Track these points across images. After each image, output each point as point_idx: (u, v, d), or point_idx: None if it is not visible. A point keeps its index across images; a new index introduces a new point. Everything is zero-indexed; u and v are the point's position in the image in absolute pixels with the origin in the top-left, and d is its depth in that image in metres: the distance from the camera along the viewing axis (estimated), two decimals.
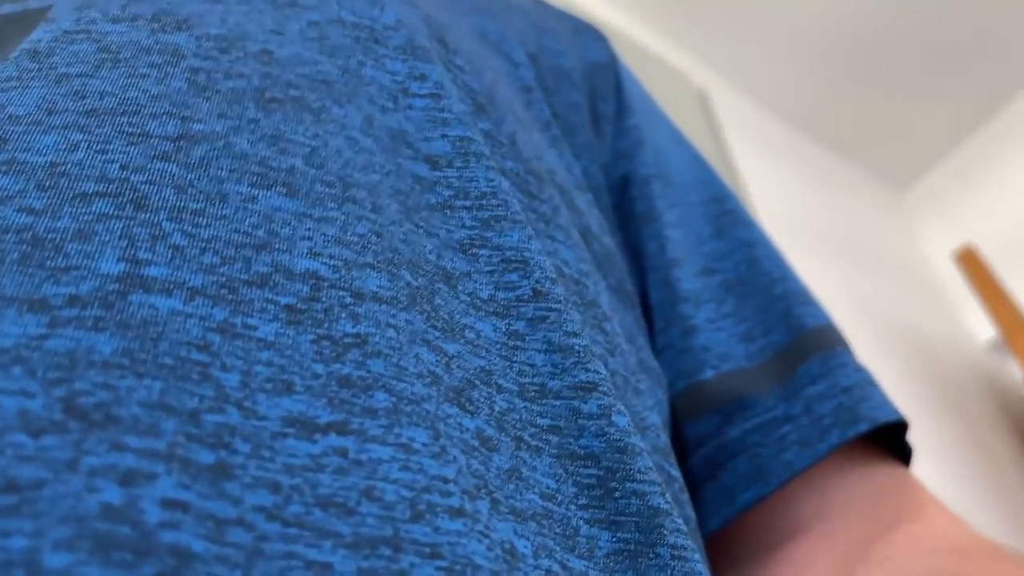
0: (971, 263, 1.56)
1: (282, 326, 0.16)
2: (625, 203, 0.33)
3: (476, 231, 0.21)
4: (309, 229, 0.18)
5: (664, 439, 0.24)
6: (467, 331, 0.19)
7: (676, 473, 0.24)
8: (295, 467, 0.14)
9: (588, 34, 0.38)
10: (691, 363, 0.29)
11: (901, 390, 1.49)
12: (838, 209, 1.80)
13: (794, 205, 1.64)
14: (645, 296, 0.31)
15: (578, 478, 0.19)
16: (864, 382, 0.29)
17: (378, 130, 0.21)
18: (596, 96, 0.35)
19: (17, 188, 0.16)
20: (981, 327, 1.87)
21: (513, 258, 0.21)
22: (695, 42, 1.72)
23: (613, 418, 0.19)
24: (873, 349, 1.51)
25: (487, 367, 0.19)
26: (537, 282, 0.21)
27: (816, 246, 1.60)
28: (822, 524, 0.27)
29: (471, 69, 0.26)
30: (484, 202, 0.22)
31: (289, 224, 0.17)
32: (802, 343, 0.30)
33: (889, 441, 0.30)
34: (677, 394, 0.29)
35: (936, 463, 1.41)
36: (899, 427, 0.29)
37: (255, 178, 0.18)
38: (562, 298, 0.21)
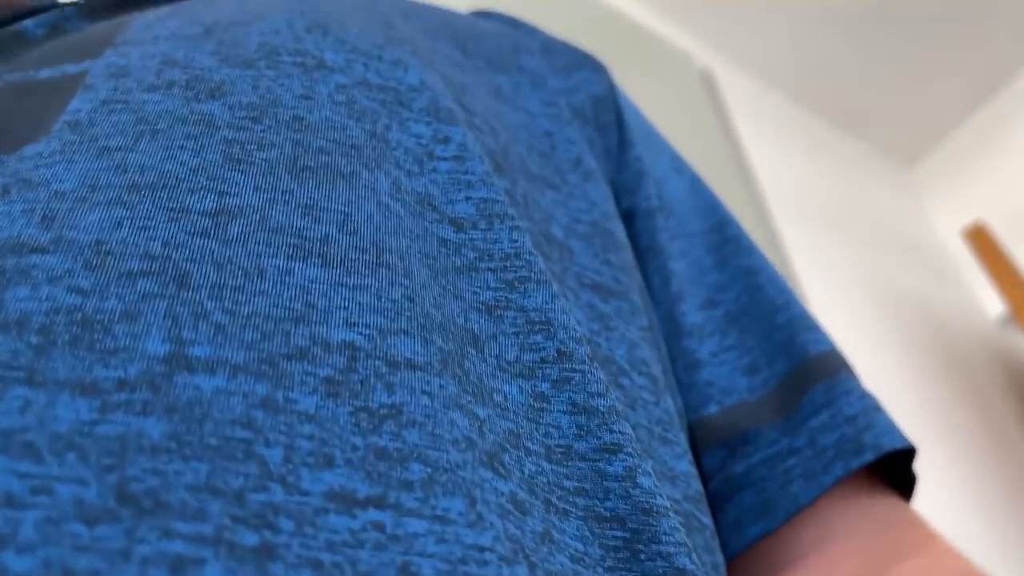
0: (981, 240, 1.55)
1: (321, 399, 0.16)
2: (629, 237, 0.33)
3: (501, 292, 0.22)
4: (345, 299, 0.18)
5: (695, 486, 0.24)
6: (495, 394, 0.19)
7: (708, 521, 0.24)
8: (336, 543, 0.14)
9: (588, 67, 0.38)
10: (696, 398, 0.29)
11: (911, 367, 1.49)
12: (846, 187, 1.79)
13: (802, 184, 1.63)
14: None
15: (604, 540, 0.19)
16: (869, 408, 0.29)
17: (405, 194, 0.22)
18: (600, 130, 0.35)
19: (65, 267, 0.16)
20: (991, 303, 1.86)
21: (537, 319, 0.21)
22: (698, 23, 1.70)
23: (638, 479, 0.19)
24: (883, 326, 1.51)
25: (515, 430, 0.19)
26: (561, 343, 0.21)
27: (824, 224, 1.59)
28: (822, 557, 0.27)
29: (488, 129, 0.27)
30: (508, 263, 0.22)
31: (326, 295, 0.18)
32: (805, 372, 0.30)
33: (895, 464, 0.30)
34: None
35: (946, 439, 1.41)
36: (905, 451, 0.29)
37: (291, 250, 0.18)
38: (586, 358, 0.21)
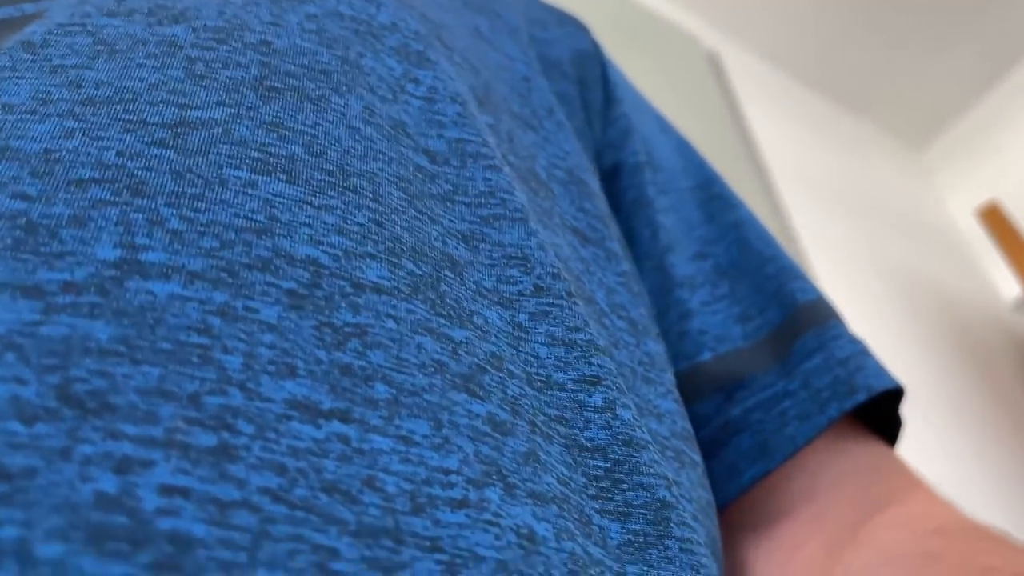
0: (995, 220, 1.53)
1: (284, 310, 0.16)
2: (616, 192, 0.34)
3: (476, 226, 0.21)
4: (309, 216, 0.18)
5: (682, 424, 0.24)
6: (475, 317, 0.19)
7: (698, 457, 0.24)
8: (300, 450, 0.14)
9: (571, 24, 0.38)
10: (689, 346, 0.30)
11: (925, 348, 1.47)
12: (856, 169, 1.77)
13: (811, 166, 1.61)
14: None
15: (586, 469, 0.19)
16: (859, 352, 0.29)
17: (379, 118, 0.21)
18: (584, 85, 0.35)
19: (10, 175, 0.16)
20: (1006, 284, 1.84)
21: (514, 254, 0.21)
22: (704, 5, 1.69)
23: (618, 411, 0.19)
24: (895, 309, 1.49)
25: (497, 353, 0.19)
26: (538, 277, 0.21)
27: (834, 206, 1.58)
28: (811, 506, 0.28)
29: (468, 66, 0.27)
30: (482, 200, 0.22)
31: (289, 210, 0.17)
32: (796, 319, 0.30)
33: (883, 411, 0.30)
34: (679, 375, 0.29)
35: (961, 421, 1.40)
36: (895, 396, 0.29)
37: (255, 163, 0.18)
38: (564, 293, 0.21)
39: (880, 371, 0.29)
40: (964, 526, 0.26)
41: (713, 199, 0.35)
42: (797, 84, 1.85)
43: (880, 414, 0.30)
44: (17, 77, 0.18)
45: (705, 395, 0.29)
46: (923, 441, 1.21)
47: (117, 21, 0.21)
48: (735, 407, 0.28)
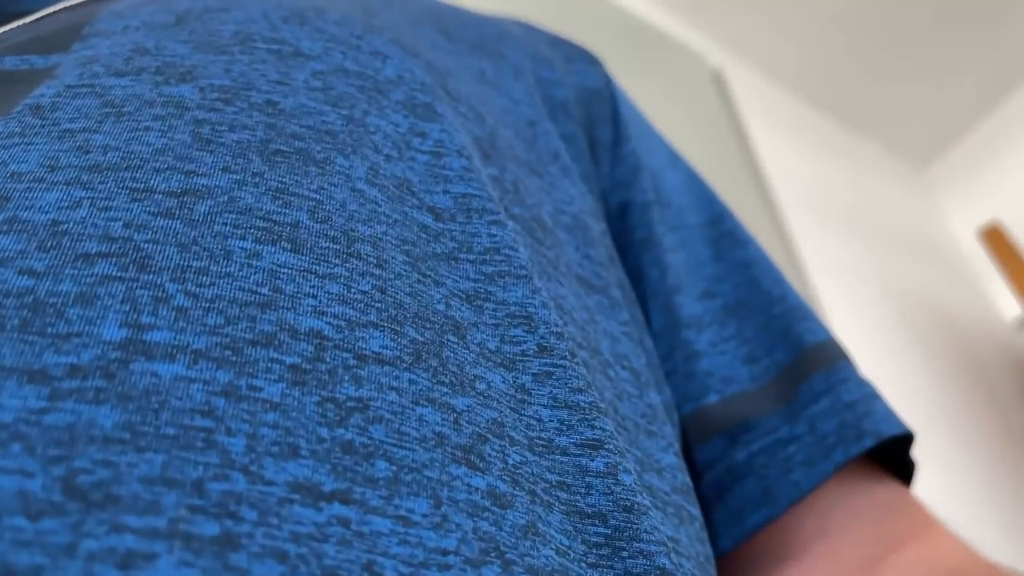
0: (997, 240, 1.54)
1: (288, 387, 0.15)
2: (625, 231, 0.33)
3: (481, 284, 0.21)
4: (314, 286, 0.17)
5: (682, 478, 0.24)
6: (478, 382, 0.19)
7: (696, 512, 0.24)
8: (301, 536, 0.14)
9: (582, 60, 0.38)
10: (695, 388, 0.29)
11: (927, 368, 1.47)
12: (859, 187, 1.77)
13: (814, 184, 1.62)
14: (648, 324, 0.31)
15: (586, 536, 0.18)
16: (867, 396, 0.29)
17: (383, 179, 0.21)
18: (592, 123, 0.35)
19: (18, 248, 0.16)
20: (1007, 305, 1.84)
21: (518, 313, 0.21)
22: (710, 23, 1.70)
23: (619, 476, 0.19)
24: (898, 327, 1.49)
25: (499, 419, 0.19)
26: (542, 338, 0.21)
27: (837, 225, 1.58)
28: (825, 544, 0.27)
29: (474, 116, 0.26)
30: (487, 257, 0.22)
31: (293, 280, 0.17)
32: (804, 361, 0.30)
33: (894, 452, 0.30)
34: (683, 419, 0.29)
35: (961, 441, 1.40)
36: (904, 439, 0.29)
37: (260, 233, 0.18)
38: (567, 353, 0.21)
39: (889, 415, 0.28)
40: (977, 565, 0.25)
41: (722, 236, 0.35)
42: (801, 103, 1.86)
43: (892, 454, 0.30)
44: (26, 144, 0.18)
45: (710, 438, 0.29)
46: (923, 459, 1.21)
47: (125, 81, 0.21)
48: (740, 451, 0.28)
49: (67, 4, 0.27)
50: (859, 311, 1.44)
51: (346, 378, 0.16)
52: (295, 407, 0.15)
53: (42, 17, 0.26)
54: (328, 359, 0.16)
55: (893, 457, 0.30)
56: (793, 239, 1.41)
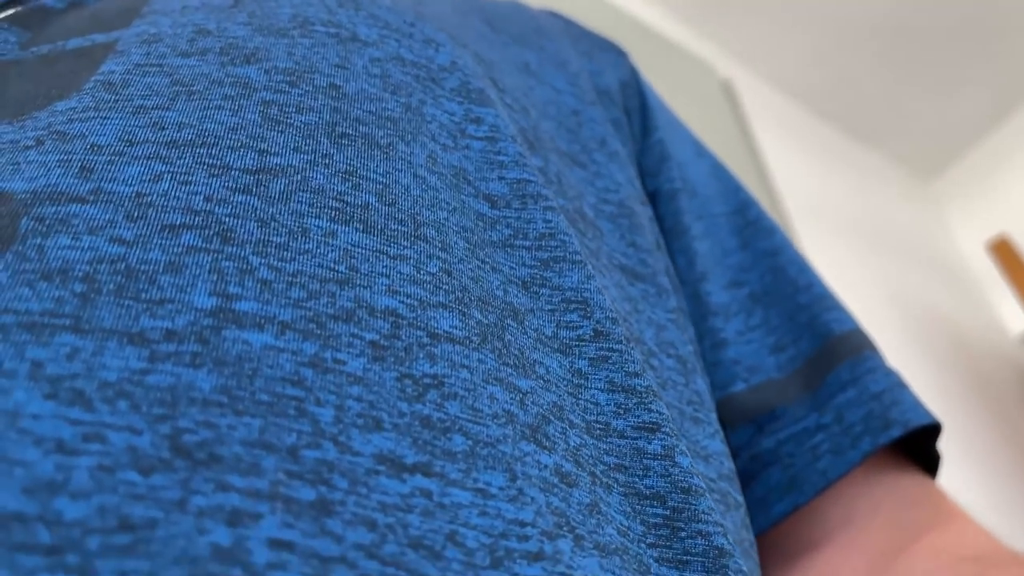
0: (1005, 253, 1.54)
1: (368, 361, 0.16)
2: (654, 219, 0.33)
3: (536, 270, 0.22)
4: (386, 267, 0.18)
5: (728, 465, 0.24)
6: (537, 366, 0.19)
7: (741, 498, 0.24)
8: (388, 506, 0.14)
9: (611, 51, 0.38)
10: (723, 376, 0.30)
11: (933, 380, 1.47)
12: (866, 199, 1.78)
13: (822, 195, 1.62)
14: None
15: (645, 517, 0.19)
16: (894, 385, 0.29)
17: (441, 167, 0.22)
18: (628, 112, 0.35)
19: (107, 218, 0.16)
20: (1014, 319, 1.84)
21: (573, 299, 0.21)
22: (719, 31, 1.71)
23: (677, 458, 0.20)
24: (904, 339, 1.49)
25: (558, 403, 0.19)
26: (598, 322, 0.21)
27: (844, 236, 1.58)
28: (848, 533, 0.27)
29: (519, 108, 0.27)
30: (543, 243, 0.22)
31: (367, 260, 0.18)
32: (830, 350, 0.30)
33: (919, 443, 0.30)
34: None
35: (968, 453, 1.39)
36: (930, 429, 0.29)
37: (334, 213, 0.18)
38: (623, 338, 0.21)
39: (916, 405, 0.28)
40: (1000, 553, 0.26)
41: (748, 225, 0.35)
42: (810, 114, 1.86)
43: (917, 444, 0.30)
44: (102, 117, 0.18)
45: (737, 426, 0.29)
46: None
47: (192, 61, 0.21)
48: (767, 439, 0.28)
49: None
50: (865, 322, 1.43)
51: (421, 355, 0.17)
52: (376, 381, 0.16)
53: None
54: (404, 336, 0.17)
55: (918, 447, 0.30)
56: (800, 249, 1.41)
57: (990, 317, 1.84)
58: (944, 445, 1.36)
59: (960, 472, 1.34)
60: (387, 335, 0.17)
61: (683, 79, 1.53)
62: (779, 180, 1.51)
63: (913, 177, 2.08)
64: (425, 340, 0.17)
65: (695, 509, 0.19)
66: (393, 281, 0.18)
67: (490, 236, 0.22)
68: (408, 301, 0.17)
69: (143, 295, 0.15)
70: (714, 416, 0.25)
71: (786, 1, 1.69)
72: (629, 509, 0.19)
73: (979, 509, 1.32)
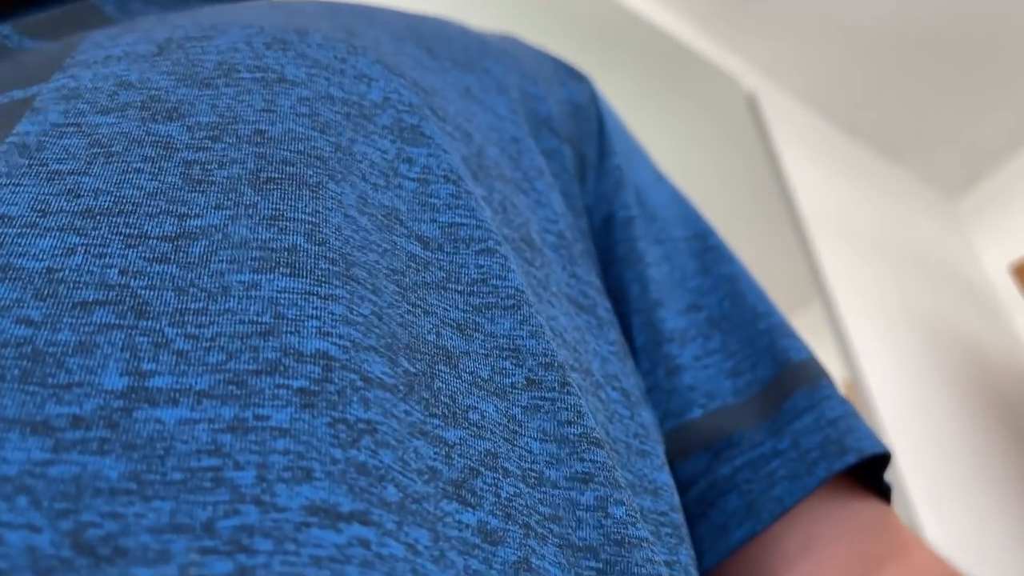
0: None
1: (296, 410, 0.15)
2: (608, 246, 0.33)
3: (469, 315, 0.21)
4: (316, 308, 0.17)
5: (677, 498, 0.24)
6: (471, 412, 0.19)
7: (686, 531, 0.24)
8: (322, 559, 0.13)
9: (567, 75, 0.38)
10: (678, 403, 0.29)
11: (954, 401, 1.46)
12: (889, 216, 1.76)
13: (844, 211, 1.61)
14: (630, 339, 0.32)
15: (579, 570, 0.18)
16: (849, 414, 0.29)
17: (373, 208, 0.21)
18: (579, 139, 0.35)
19: (14, 297, 0.15)
20: None
21: (505, 346, 0.21)
22: (746, 46, 1.70)
23: (610, 509, 0.19)
24: (925, 358, 1.48)
25: (493, 450, 0.18)
26: (530, 370, 0.21)
27: (867, 253, 1.57)
28: (807, 562, 0.27)
29: (461, 135, 0.26)
30: (474, 288, 0.22)
31: (296, 304, 0.17)
32: (787, 377, 0.30)
33: (871, 472, 0.30)
34: (666, 435, 0.29)
35: (986, 474, 1.38)
36: (881, 462, 0.29)
37: (257, 263, 0.17)
38: (556, 384, 0.21)
39: (869, 435, 0.29)
40: None
41: (708, 250, 0.35)
42: (834, 129, 1.85)
43: (869, 474, 0.30)
44: (14, 184, 0.18)
45: (693, 453, 0.29)
46: (946, 492, 1.20)
47: (111, 119, 0.20)
48: (723, 466, 0.28)
49: (51, 15, 0.27)
50: (885, 339, 1.42)
51: (355, 399, 0.16)
52: (306, 430, 0.15)
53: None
54: (336, 380, 0.16)
55: (869, 477, 0.30)
56: (821, 264, 1.41)
57: (1012, 339, 1.82)
58: (963, 466, 1.34)
59: (980, 493, 1.32)
60: (318, 379, 0.16)
61: (707, 92, 1.53)
62: (801, 195, 1.51)
63: (938, 196, 2.06)
64: (359, 383, 0.16)
65: (628, 562, 0.19)
66: (324, 322, 0.17)
67: (423, 277, 0.21)
68: (341, 342, 0.17)
69: (49, 380, 0.14)
70: (661, 448, 0.25)
71: (812, 15, 1.68)
72: (564, 561, 0.18)
73: (998, 532, 1.30)
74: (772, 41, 1.70)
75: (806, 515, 0.28)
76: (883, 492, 0.30)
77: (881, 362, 1.36)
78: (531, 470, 0.19)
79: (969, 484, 1.32)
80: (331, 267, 0.18)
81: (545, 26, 1.32)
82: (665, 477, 0.24)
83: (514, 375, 0.21)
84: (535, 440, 0.20)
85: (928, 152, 1.95)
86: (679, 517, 0.23)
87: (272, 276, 0.17)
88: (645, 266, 0.32)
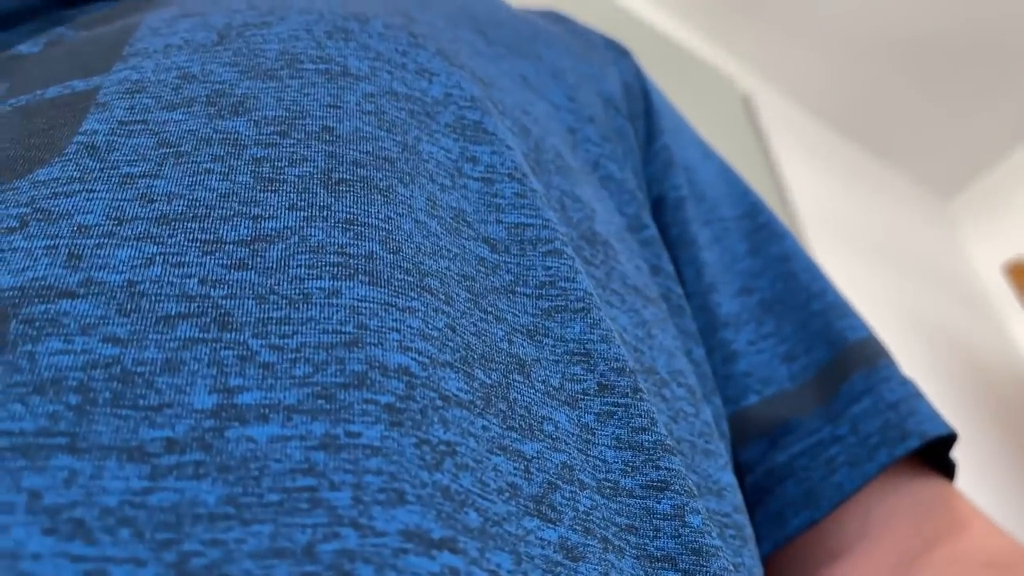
0: (1021, 276, 1.53)
1: (386, 428, 0.15)
2: (659, 229, 0.33)
3: (539, 319, 0.21)
4: (396, 320, 0.17)
5: (740, 497, 0.24)
6: (546, 423, 0.19)
7: (751, 530, 0.24)
8: None
9: (613, 51, 0.37)
10: (735, 390, 0.29)
11: (946, 400, 1.46)
12: (883, 216, 1.77)
13: (839, 211, 1.62)
14: None
15: None
16: (910, 395, 0.29)
17: (441, 210, 0.21)
18: (631, 118, 0.34)
19: (99, 314, 0.15)
20: None
21: (576, 351, 0.21)
22: (741, 47, 1.71)
23: (687, 518, 0.19)
24: (918, 358, 1.49)
25: (568, 462, 0.18)
26: (601, 375, 0.20)
27: (861, 253, 1.58)
28: (866, 543, 0.27)
29: (519, 129, 0.26)
30: (543, 292, 0.21)
31: (377, 315, 0.17)
32: (844, 359, 0.29)
33: (933, 451, 0.29)
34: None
35: (980, 474, 1.38)
36: (946, 438, 0.29)
37: (336, 269, 0.17)
38: (628, 390, 0.20)
39: (932, 415, 0.28)
40: (1015, 554, 0.25)
41: (759, 229, 0.34)
42: (829, 130, 1.86)
43: (932, 451, 0.29)
44: (88, 191, 0.17)
45: (750, 440, 0.28)
46: None
47: (178, 115, 0.20)
48: (781, 453, 0.28)
49: (103, 12, 0.27)
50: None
51: (435, 419, 0.16)
52: (396, 450, 0.15)
53: (80, 26, 0.25)
54: (418, 397, 0.16)
55: (933, 453, 0.29)
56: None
57: (1005, 339, 1.83)
58: (958, 467, 1.35)
59: (973, 491, 1.33)
60: (402, 396, 0.16)
61: (702, 93, 1.54)
62: (797, 195, 1.51)
63: (932, 196, 2.07)
64: (438, 402, 0.16)
65: (706, 571, 0.18)
66: (404, 336, 0.17)
67: (492, 282, 0.21)
68: (419, 359, 0.16)
69: (141, 402, 0.14)
70: (723, 445, 0.25)
71: (808, 17, 1.69)
72: (642, 573, 0.18)
73: None
74: (768, 43, 1.71)
75: (865, 498, 0.28)
76: (946, 467, 0.29)
77: None
78: (606, 480, 0.19)
79: (962, 483, 1.33)
80: (406, 277, 0.18)
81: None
82: (729, 477, 0.24)
83: (586, 380, 0.20)
84: (609, 448, 0.19)
85: (922, 153, 1.96)
86: (742, 518, 0.23)
87: (352, 284, 0.17)
88: (698, 248, 0.32)
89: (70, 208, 0.17)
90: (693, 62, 1.58)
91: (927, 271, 1.77)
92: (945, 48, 1.76)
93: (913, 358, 1.48)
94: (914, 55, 1.76)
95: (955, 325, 1.69)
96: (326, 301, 0.17)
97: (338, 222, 0.18)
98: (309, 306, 0.16)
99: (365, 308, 0.17)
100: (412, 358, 0.16)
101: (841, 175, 1.75)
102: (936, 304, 1.69)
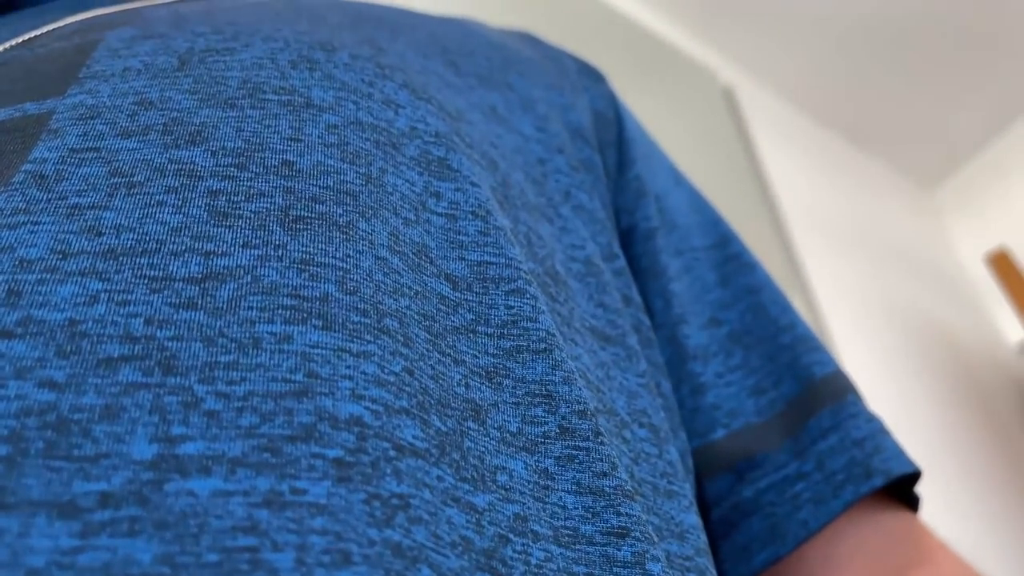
0: (1004, 266, 1.54)
1: (333, 484, 0.14)
2: (629, 258, 0.33)
3: (500, 360, 0.20)
4: (349, 367, 0.16)
5: (704, 539, 0.23)
6: (499, 473, 0.18)
7: (714, 573, 0.23)
8: None
9: (588, 76, 0.37)
10: (702, 423, 0.29)
11: (930, 391, 1.47)
12: (866, 207, 1.78)
13: (821, 203, 1.62)
14: None
15: None
16: (876, 432, 0.29)
17: (403, 245, 0.20)
18: (601, 148, 0.34)
19: (36, 356, 0.14)
20: (1012, 329, 1.84)
21: (537, 392, 0.20)
22: (721, 38, 1.71)
23: (647, 566, 0.19)
24: (902, 349, 1.49)
25: (522, 513, 0.18)
26: (563, 417, 0.20)
27: (843, 244, 1.58)
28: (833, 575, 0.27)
29: (487, 162, 0.25)
30: (505, 331, 0.21)
31: (329, 362, 0.16)
32: (812, 394, 0.29)
33: (899, 483, 0.29)
34: (691, 453, 0.29)
35: (963, 464, 1.39)
36: (911, 474, 0.29)
37: (288, 312, 0.17)
38: (590, 433, 0.20)
39: (898, 452, 0.28)
40: None
41: (728, 260, 0.34)
42: (811, 121, 1.86)
43: (898, 483, 0.29)
44: (32, 223, 0.17)
45: (717, 474, 0.28)
46: (924, 483, 1.21)
47: (132, 143, 0.19)
48: (747, 488, 0.28)
49: (59, 25, 0.26)
50: (863, 330, 1.43)
51: (388, 471, 0.15)
52: (343, 507, 0.14)
53: (35, 40, 0.24)
54: (370, 449, 0.15)
55: (898, 487, 0.30)
56: (799, 256, 1.41)
57: (988, 328, 1.84)
58: (941, 457, 1.36)
59: (957, 482, 1.34)
60: (352, 449, 0.15)
61: (684, 85, 1.53)
62: (779, 187, 1.51)
63: (914, 187, 2.08)
64: (392, 453, 0.16)
65: None
66: (357, 383, 0.16)
67: (452, 321, 0.20)
68: (373, 407, 0.16)
69: (75, 452, 0.13)
70: (688, 486, 0.25)
71: (788, 9, 1.69)
72: None
73: (974, 521, 1.32)
74: (748, 34, 1.71)
75: (830, 533, 0.28)
76: (910, 500, 0.29)
77: (859, 352, 1.37)
78: (564, 527, 0.18)
79: (946, 473, 1.34)
80: (363, 319, 0.17)
81: (521, 20, 1.31)
82: (692, 518, 0.23)
83: (547, 423, 0.20)
84: (569, 494, 0.19)
85: (904, 143, 1.97)
86: (705, 561, 0.22)
87: (304, 328, 0.16)
88: (667, 279, 0.32)
89: (13, 241, 0.16)
90: (674, 55, 1.57)
91: (910, 261, 1.77)
92: (927, 38, 1.76)
93: (896, 348, 1.48)
94: (895, 45, 1.77)
95: (938, 315, 1.70)
96: (277, 347, 0.16)
97: (293, 262, 0.18)
98: (259, 351, 0.16)
99: (317, 355, 0.16)
100: (365, 407, 0.16)
101: (824, 167, 1.76)
102: (919, 294, 1.69)
